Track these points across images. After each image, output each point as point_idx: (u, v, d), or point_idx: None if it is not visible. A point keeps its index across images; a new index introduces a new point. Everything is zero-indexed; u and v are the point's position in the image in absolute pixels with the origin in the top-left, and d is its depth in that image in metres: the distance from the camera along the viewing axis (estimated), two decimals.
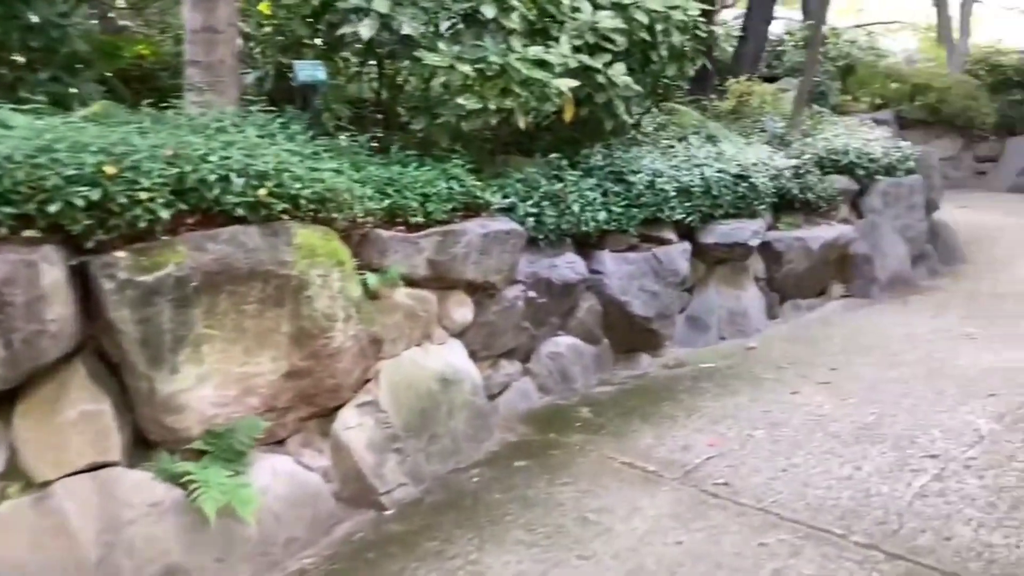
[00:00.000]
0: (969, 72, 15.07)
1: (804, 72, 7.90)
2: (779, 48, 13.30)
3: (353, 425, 3.58)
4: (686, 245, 5.50)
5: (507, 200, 4.50)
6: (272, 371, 3.22)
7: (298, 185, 3.24)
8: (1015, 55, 15.28)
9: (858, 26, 22.43)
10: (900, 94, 14.50)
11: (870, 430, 3.87)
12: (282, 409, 3.33)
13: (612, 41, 4.93)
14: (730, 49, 11.69)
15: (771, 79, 10.59)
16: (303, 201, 3.26)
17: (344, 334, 3.38)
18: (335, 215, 3.47)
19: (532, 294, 4.51)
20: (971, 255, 8.04)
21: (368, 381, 3.70)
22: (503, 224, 4.26)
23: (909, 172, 7.34)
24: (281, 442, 3.43)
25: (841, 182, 6.81)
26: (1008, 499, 3.12)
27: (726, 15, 15.47)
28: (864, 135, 7.50)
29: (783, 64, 13.01)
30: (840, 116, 10.61)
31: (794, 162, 6.49)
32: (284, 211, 3.19)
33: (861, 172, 6.94)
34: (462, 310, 4.14)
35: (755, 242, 5.79)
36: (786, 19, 16.19)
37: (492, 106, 4.28)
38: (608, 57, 4.86)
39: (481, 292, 4.22)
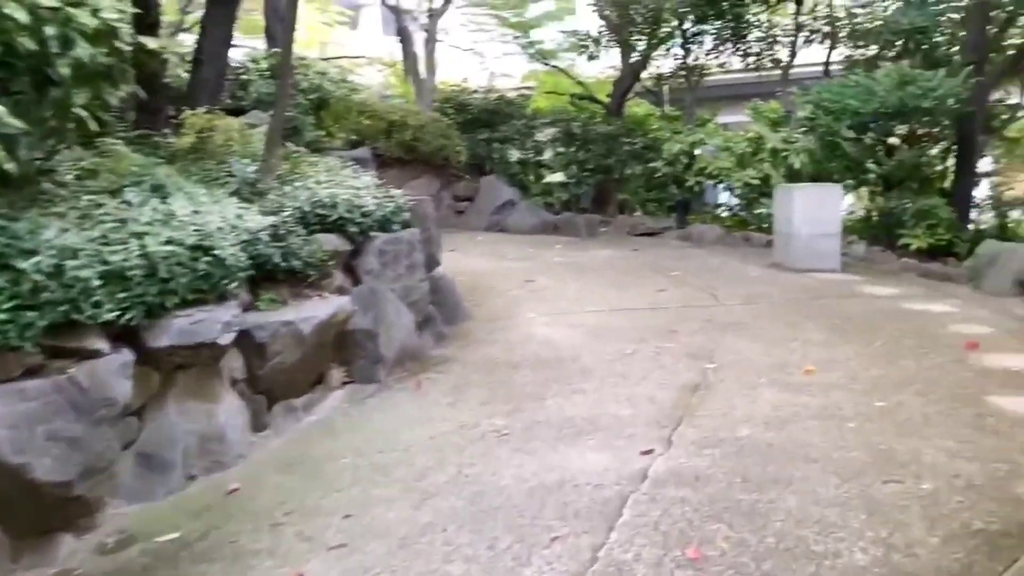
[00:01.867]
0: (439, 110, 15.40)
1: (276, 105, 6.63)
2: (244, 77, 12.00)
3: None
4: (126, 355, 3.79)
5: None
6: None
7: None
8: (479, 94, 16.03)
9: (325, 59, 22.30)
10: (376, 130, 14.20)
11: None
12: None
13: None
14: (185, 76, 10.05)
15: (237, 111, 9.19)
16: None
17: None
18: None
19: None
20: (474, 309, 7.50)
21: None
22: None
23: (405, 225, 6.47)
24: None
25: (332, 242, 5.65)
26: None
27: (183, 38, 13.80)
28: (352, 182, 6.48)
29: (249, 95, 11.74)
30: (317, 155, 9.72)
31: (272, 220, 5.16)
32: None
33: (354, 229, 5.86)
34: None
35: (228, 337, 4.29)
36: (249, 47, 15.03)
37: None
38: None
39: None
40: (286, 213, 5.41)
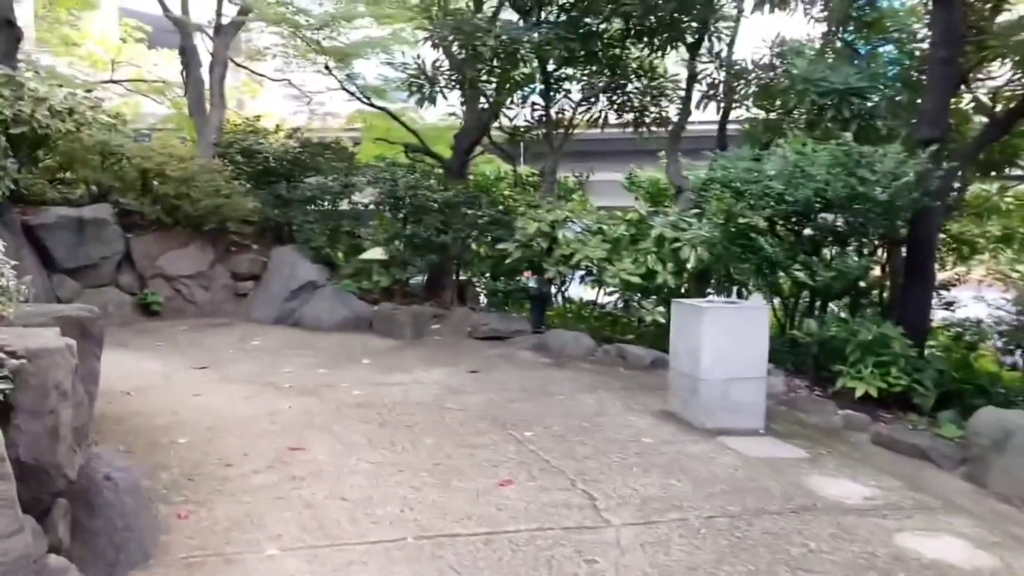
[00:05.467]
0: (223, 155, 12.11)
1: None
2: None
3: None
4: None
5: None
6: None
7: None
8: (277, 137, 12.81)
9: (113, 82, 18.69)
10: (127, 181, 10.79)
11: None
12: None
13: None
14: None
15: None
16: None
17: None
18: None
19: None
20: (172, 526, 4.32)
21: None
22: None
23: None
24: None
25: None
26: None
27: None
28: None
29: None
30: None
31: None
32: None
33: None
34: None
35: None
36: None
37: None
38: None
39: None
40: None
